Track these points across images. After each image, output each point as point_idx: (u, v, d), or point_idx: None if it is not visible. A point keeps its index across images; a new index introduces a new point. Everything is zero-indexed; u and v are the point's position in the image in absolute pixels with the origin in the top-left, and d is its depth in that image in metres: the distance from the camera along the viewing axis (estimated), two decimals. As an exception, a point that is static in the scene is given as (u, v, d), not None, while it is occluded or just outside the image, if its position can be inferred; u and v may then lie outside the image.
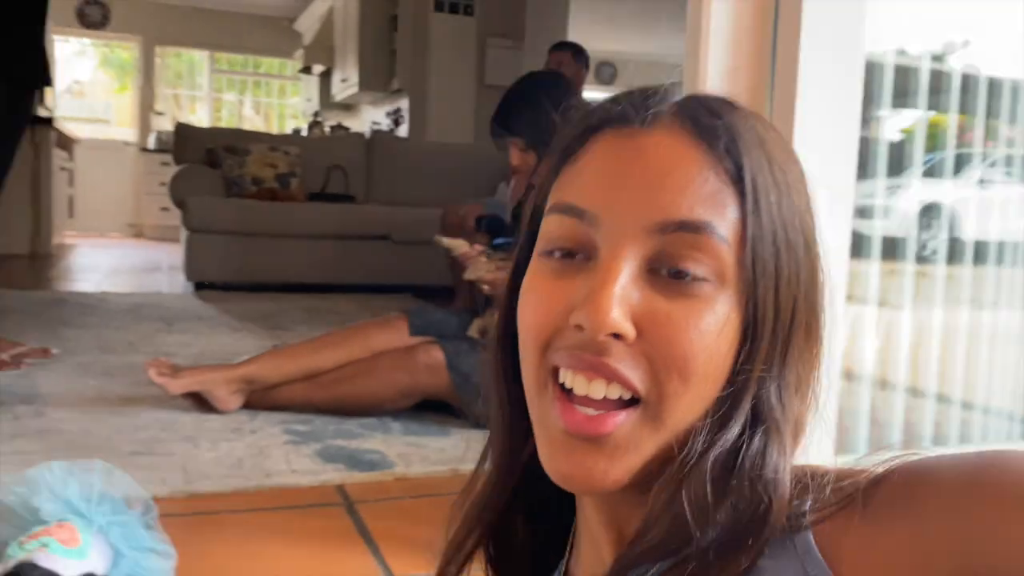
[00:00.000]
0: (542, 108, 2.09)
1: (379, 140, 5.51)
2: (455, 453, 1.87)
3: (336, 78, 7.59)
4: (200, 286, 4.54)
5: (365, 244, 4.65)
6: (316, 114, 8.44)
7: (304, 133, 7.71)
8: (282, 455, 1.79)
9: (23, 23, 2.41)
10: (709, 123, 0.46)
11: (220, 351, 2.87)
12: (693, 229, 0.44)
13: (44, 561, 1.05)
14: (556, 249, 0.47)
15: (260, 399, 2.12)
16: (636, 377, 0.44)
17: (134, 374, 2.27)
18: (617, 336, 0.44)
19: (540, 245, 0.49)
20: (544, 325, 0.47)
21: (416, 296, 4.57)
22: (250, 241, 4.49)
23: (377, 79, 6.65)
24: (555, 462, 0.47)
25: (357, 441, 1.92)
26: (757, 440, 0.44)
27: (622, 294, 0.44)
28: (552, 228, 0.48)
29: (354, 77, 6.84)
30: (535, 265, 0.49)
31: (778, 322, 0.45)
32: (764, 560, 0.41)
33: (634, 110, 0.47)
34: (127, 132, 9.12)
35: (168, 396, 2.07)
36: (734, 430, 0.44)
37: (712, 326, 0.44)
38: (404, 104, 6.34)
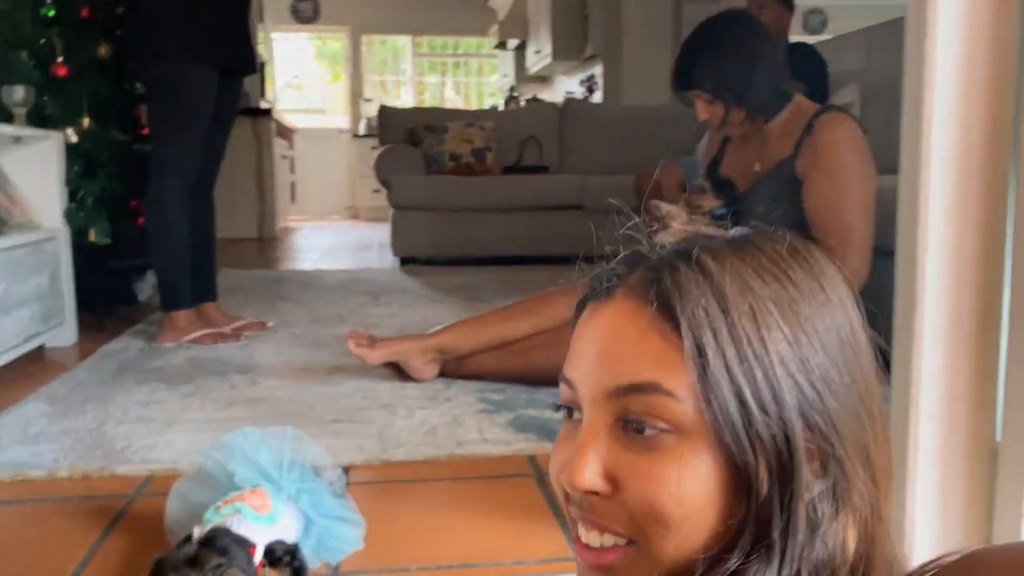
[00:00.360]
0: (724, 53, 1.92)
1: (572, 108, 5.43)
2: (652, 426, 1.76)
3: (530, 51, 7.60)
4: (405, 261, 4.71)
5: (559, 215, 4.60)
6: (512, 89, 8.51)
7: (501, 109, 7.79)
8: (475, 424, 1.76)
9: (231, 12, 2.55)
10: (649, 288, 0.50)
11: (421, 322, 2.92)
12: (641, 390, 0.49)
13: (237, 527, 1.06)
14: (566, 408, 0.55)
15: (454, 368, 2.12)
16: (620, 525, 0.50)
17: (340, 344, 2.33)
18: (595, 492, 0.50)
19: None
20: (559, 481, 0.53)
21: (613, 265, 4.46)
22: (449, 216, 4.58)
23: (570, 47, 6.57)
24: None
25: (549, 411, 1.85)
26: (750, 570, 0.47)
27: (593, 456, 0.50)
28: (561, 392, 0.55)
29: (547, 48, 6.80)
30: (562, 427, 0.56)
31: (768, 462, 0.47)
32: None
33: (598, 285, 0.54)
34: (340, 120, 9.68)
35: (368, 366, 2.12)
36: (730, 563, 0.47)
37: (675, 475, 0.48)
38: (598, 70, 6.22)
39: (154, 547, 1.21)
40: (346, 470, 1.53)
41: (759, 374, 0.47)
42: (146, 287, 3.32)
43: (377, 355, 2.08)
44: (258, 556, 1.06)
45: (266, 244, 6.11)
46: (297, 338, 2.67)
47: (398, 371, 2.11)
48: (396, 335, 2.25)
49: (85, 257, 2.77)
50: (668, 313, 0.49)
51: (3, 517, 1.34)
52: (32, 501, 1.41)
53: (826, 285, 0.50)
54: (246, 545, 1.05)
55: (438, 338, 2.10)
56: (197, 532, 1.07)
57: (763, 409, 0.47)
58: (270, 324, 2.78)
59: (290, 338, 2.67)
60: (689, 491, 0.48)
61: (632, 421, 0.49)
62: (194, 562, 0.97)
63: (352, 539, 1.18)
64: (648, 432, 0.48)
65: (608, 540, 0.51)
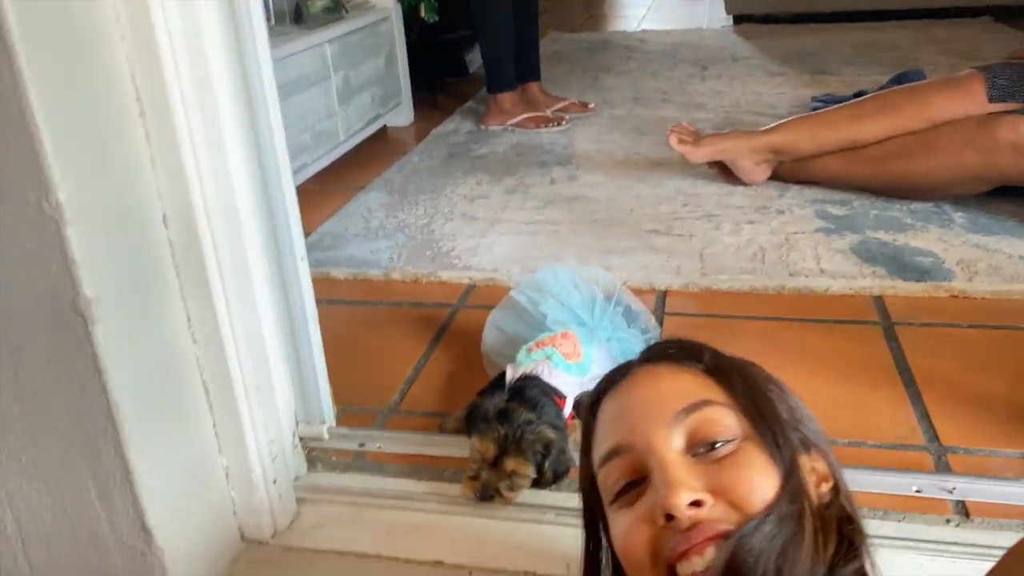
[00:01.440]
0: None
1: None
2: (1042, 266, 1.42)
3: None
4: (739, 20, 4.23)
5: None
6: None
7: None
8: (810, 247, 1.56)
9: None
10: (666, 351, 0.66)
11: (754, 102, 2.63)
12: (698, 407, 0.60)
13: (547, 376, 1.03)
14: (619, 490, 0.61)
15: (790, 171, 1.87)
16: (733, 522, 0.55)
17: (662, 131, 2.12)
18: (698, 504, 0.55)
19: (606, 499, 0.63)
20: (642, 543, 0.57)
21: (997, 20, 3.63)
22: (795, -37, 3.96)
23: None
24: None
25: (905, 236, 1.58)
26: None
27: (680, 471, 0.57)
28: (605, 478, 0.63)
29: None
30: (611, 518, 0.62)
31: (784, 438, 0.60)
32: None
33: (612, 378, 0.67)
34: None
35: (692, 164, 1.94)
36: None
37: (758, 462, 0.57)
38: None
39: (472, 369, 1.24)
40: (663, 295, 1.45)
41: (761, 386, 0.63)
42: (477, 58, 3.33)
43: (702, 153, 1.89)
44: (567, 408, 1.03)
45: (593, -1, 5.84)
46: (618, 122, 2.53)
47: (724, 171, 1.92)
48: (727, 120, 2.02)
49: (416, 35, 2.80)
50: (685, 360, 0.64)
51: (347, 317, 1.45)
52: (369, 303, 1.51)
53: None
54: (556, 396, 1.02)
55: (773, 136, 1.84)
56: (509, 373, 1.06)
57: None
58: (591, 106, 2.66)
59: (611, 122, 2.54)
60: (769, 472, 0.57)
61: (701, 443, 0.58)
62: (504, 415, 0.96)
63: (665, 393, 1.10)
64: (719, 444, 0.58)
65: (711, 554, 0.54)
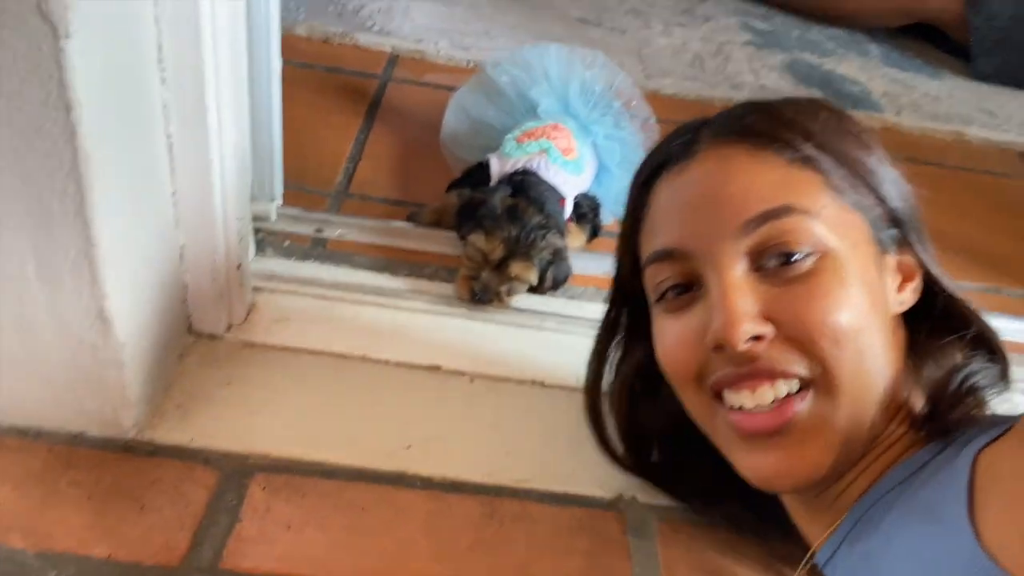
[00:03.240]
0: None
1: None
2: (954, 107, 1.47)
3: None
4: None
5: None
6: None
7: None
8: (745, 60, 1.51)
9: None
10: (743, 125, 0.53)
11: None
12: (775, 215, 0.49)
13: (545, 171, 0.91)
14: (666, 291, 0.54)
15: (712, -24, 1.78)
16: (792, 363, 0.49)
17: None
18: (757, 338, 0.49)
19: (651, 295, 0.57)
20: (687, 361, 0.53)
21: None
22: None
23: None
24: (753, 469, 0.52)
25: (831, 61, 1.57)
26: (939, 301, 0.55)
27: (742, 299, 0.49)
28: (653, 275, 0.55)
29: None
30: (656, 318, 0.57)
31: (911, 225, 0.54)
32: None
33: (674, 151, 0.55)
34: None
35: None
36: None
37: (839, 286, 0.48)
38: None
39: (423, 154, 1.09)
40: (609, 93, 1.35)
41: (862, 157, 0.52)
42: None
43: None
44: (568, 210, 0.93)
45: None
46: None
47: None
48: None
49: None
50: (766, 142, 0.51)
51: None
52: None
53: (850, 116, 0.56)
54: (558, 197, 0.91)
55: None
56: (496, 165, 0.94)
57: (882, 175, 0.53)
58: None
59: None
60: (855, 299, 0.48)
61: (773, 254, 0.49)
62: (514, 215, 0.85)
63: (650, 200, 1.03)
64: (796, 258, 0.49)
65: (782, 388, 0.49)
